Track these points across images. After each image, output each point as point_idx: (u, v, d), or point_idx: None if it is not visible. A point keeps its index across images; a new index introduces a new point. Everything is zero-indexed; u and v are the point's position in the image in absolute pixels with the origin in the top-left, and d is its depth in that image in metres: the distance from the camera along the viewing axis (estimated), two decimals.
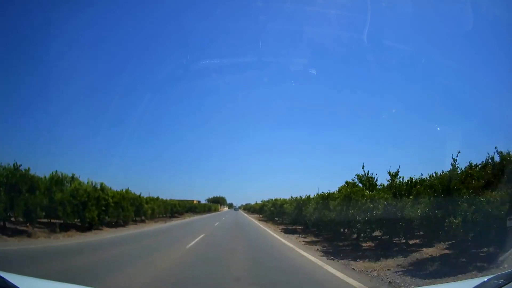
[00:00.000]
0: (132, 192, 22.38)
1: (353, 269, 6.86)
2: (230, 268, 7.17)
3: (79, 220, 15.56)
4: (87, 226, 15.62)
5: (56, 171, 15.23)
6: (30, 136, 53.03)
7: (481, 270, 5.43)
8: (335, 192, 12.11)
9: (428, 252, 7.84)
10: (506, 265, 5.34)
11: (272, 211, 27.71)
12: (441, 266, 6.33)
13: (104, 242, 11.99)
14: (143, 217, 24.86)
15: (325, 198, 12.49)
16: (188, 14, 47.89)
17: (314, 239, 13.54)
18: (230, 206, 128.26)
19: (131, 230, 17.27)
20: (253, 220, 33.86)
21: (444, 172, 7.84)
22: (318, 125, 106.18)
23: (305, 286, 5.93)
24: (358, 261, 7.61)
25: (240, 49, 56.18)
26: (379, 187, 10.14)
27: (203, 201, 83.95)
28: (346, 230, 12.44)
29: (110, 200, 17.15)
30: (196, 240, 12.45)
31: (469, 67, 25.39)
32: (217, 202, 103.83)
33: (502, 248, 5.75)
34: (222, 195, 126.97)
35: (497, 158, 7.30)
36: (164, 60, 58.86)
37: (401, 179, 9.12)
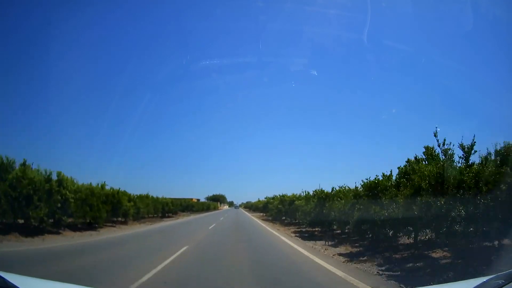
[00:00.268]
0: (109, 187, 18.14)
1: None
2: None
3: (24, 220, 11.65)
4: (33, 229, 11.48)
5: None
6: (30, 136, 52.18)
7: None
8: (390, 175, 7.88)
9: None
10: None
11: (279, 209, 23.47)
12: None
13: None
14: (125, 218, 20.64)
15: (373, 189, 8.16)
16: (188, 14, 47.13)
17: (350, 249, 9.29)
18: (231, 204, 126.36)
19: (83, 239, 12.09)
20: (256, 220, 29.36)
21: None
22: (318, 125, 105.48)
23: None
24: None
25: (240, 49, 55.48)
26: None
27: (202, 200, 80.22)
28: (400, 234, 8.20)
29: (70, 195, 12.84)
30: (164, 263, 6.79)
31: (469, 67, 25.02)
32: (217, 200, 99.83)
33: None
34: (223, 193, 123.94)
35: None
36: (164, 60, 57.88)
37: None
